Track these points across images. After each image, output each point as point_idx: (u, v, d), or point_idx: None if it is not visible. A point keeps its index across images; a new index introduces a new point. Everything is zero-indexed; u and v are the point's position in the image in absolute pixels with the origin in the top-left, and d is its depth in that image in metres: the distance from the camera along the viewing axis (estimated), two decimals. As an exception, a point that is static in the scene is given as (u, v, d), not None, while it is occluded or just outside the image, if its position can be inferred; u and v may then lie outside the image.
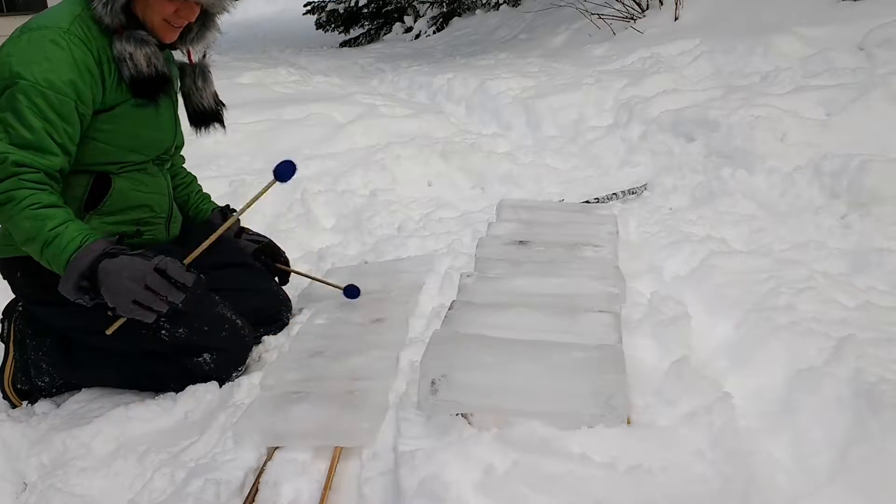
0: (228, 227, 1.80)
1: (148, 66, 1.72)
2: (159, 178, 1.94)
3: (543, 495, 1.21)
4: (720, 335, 1.80)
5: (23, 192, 1.54)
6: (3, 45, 1.64)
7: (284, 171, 1.71)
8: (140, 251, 1.60)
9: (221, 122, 2.03)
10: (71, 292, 1.54)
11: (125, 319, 1.58)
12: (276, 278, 2.20)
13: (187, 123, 2.02)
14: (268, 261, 2.18)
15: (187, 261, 1.62)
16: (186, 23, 1.77)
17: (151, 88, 1.75)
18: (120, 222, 1.83)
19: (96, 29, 1.68)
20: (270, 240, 2.23)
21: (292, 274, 2.24)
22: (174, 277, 1.53)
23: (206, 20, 1.88)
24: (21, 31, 1.65)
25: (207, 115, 1.99)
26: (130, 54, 1.69)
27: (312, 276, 2.15)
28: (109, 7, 1.65)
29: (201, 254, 1.67)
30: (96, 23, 1.68)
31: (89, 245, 1.54)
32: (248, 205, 1.75)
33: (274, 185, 1.72)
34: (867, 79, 3.43)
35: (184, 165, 2.19)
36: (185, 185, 2.17)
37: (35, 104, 1.58)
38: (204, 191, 2.23)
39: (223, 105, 2.04)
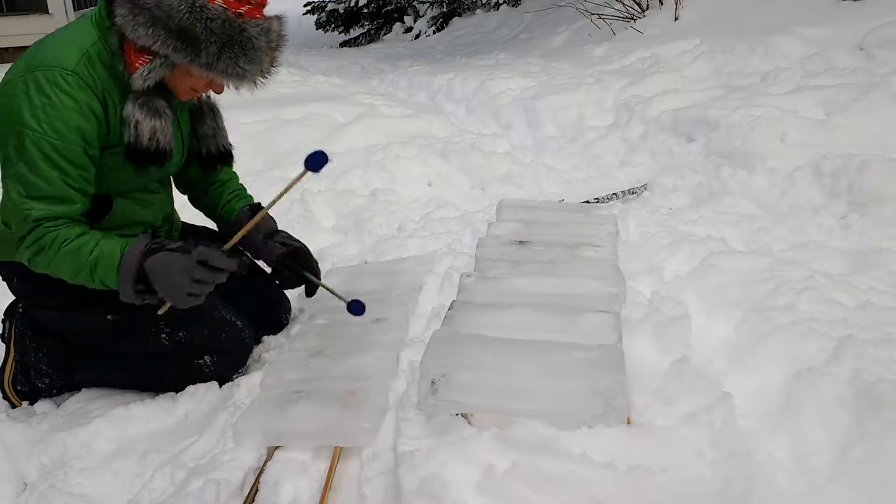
0: (257, 225, 1.79)
1: (149, 139, 1.66)
2: (161, 195, 1.91)
3: (543, 495, 1.21)
4: (720, 335, 1.80)
5: (49, 236, 1.57)
6: (7, 83, 1.59)
7: (317, 161, 1.69)
8: (179, 244, 1.63)
9: (231, 160, 2.01)
10: (135, 300, 1.59)
11: (165, 309, 1.64)
12: (304, 287, 1.98)
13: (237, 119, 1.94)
14: (295, 266, 1.94)
15: (226, 248, 1.67)
16: (210, 91, 1.74)
17: (143, 158, 1.69)
18: (119, 235, 1.80)
19: (102, 68, 1.62)
20: (303, 246, 2.00)
21: (314, 284, 1.98)
22: (216, 265, 1.59)
23: None
24: (27, 67, 1.58)
25: (222, 157, 1.96)
26: (137, 122, 1.64)
27: (331, 289, 1.89)
28: (145, 80, 1.59)
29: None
30: (102, 63, 1.62)
31: (129, 252, 1.58)
32: (280, 196, 1.76)
33: (306, 175, 1.71)
34: (867, 79, 3.43)
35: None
36: (221, 184, 2.07)
37: (47, 155, 1.55)
38: (243, 189, 2.10)
39: (231, 145, 2.01)
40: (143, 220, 1.86)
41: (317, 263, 2.01)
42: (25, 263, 1.63)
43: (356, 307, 1.82)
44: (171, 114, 1.70)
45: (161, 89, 1.68)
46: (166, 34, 1.52)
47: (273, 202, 1.75)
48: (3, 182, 1.61)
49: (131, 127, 1.64)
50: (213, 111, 1.92)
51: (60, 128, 1.56)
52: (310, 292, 1.96)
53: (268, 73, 1.68)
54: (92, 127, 1.61)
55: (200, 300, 1.60)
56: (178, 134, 1.84)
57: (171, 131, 1.72)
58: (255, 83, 1.66)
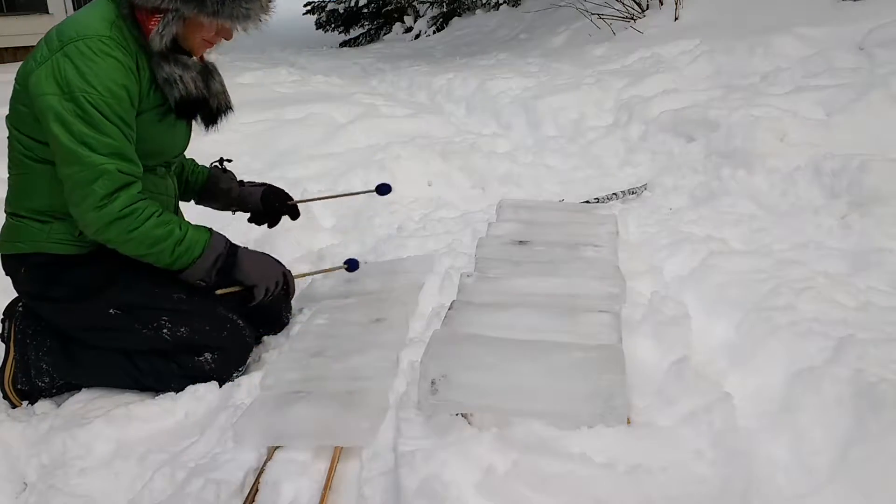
0: (232, 179, 2.27)
1: (196, 89, 1.79)
2: (167, 180, 1.96)
3: (543, 495, 1.21)
4: (720, 335, 1.80)
5: (140, 204, 1.70)
6: (47, 57, 1.64)
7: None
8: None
9: (231, 110, 2.05)
10: (202, 272, 1.81)
11: (237, 290, 1.88)
12: (289, 215, 2.33)
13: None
14: (276, 202, 2.28)
15: (297, 276, 2.08)
16: (220, 41, 1.81)
17: (195, 110, 1.83)
18: None
19: (130, 35, 1.70)
20: (269, 184, 2.33)
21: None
22: (290, 283, 2.02)
23: None
24: (61, 41, 1.64)
25: (224, 109, 2.00)
26: (180, 76, 1.75)
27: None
28: (163, 37, 1.68)
29: None
30: (129, 30, 1.70)
31: (216, 235, 1.84)
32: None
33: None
34: (867, 79, 3.43)
35: None
36: (180, 163, 2.16)
37: (104, 114, 1.62)
38: (196, 162, 2.27)
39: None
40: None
41: (286, 192, 2.34)
42: (94, 227, 1.68)
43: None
44: (195, 64, 1.81)
45: (178, 50, 1.76)
46: None
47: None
48: (64, 152, 1.62)
49: (177, 83, 1.76)
50: (215, 71, 1.97)
51: (111, 87, 1.64)
52: (294, 216, 2.34)
53: (267, 9, 1.79)
54: (134, 87, 1.70)
55: (267, 297, 1.91)
56: None
57: (201, 79, 1.83)
58: (260, 20, 1.78)
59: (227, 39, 1.81)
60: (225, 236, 1.87)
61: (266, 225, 2.34)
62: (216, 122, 1.98)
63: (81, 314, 1.83)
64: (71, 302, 1.82)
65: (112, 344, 1.85)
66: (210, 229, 1.85)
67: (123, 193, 1.66)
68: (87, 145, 1.61)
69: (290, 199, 2.35)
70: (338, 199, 2.71)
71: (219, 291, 1.86)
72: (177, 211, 2.04)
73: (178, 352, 1.83)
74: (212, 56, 1.96)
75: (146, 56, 1.73)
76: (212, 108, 1.93)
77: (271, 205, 2.29)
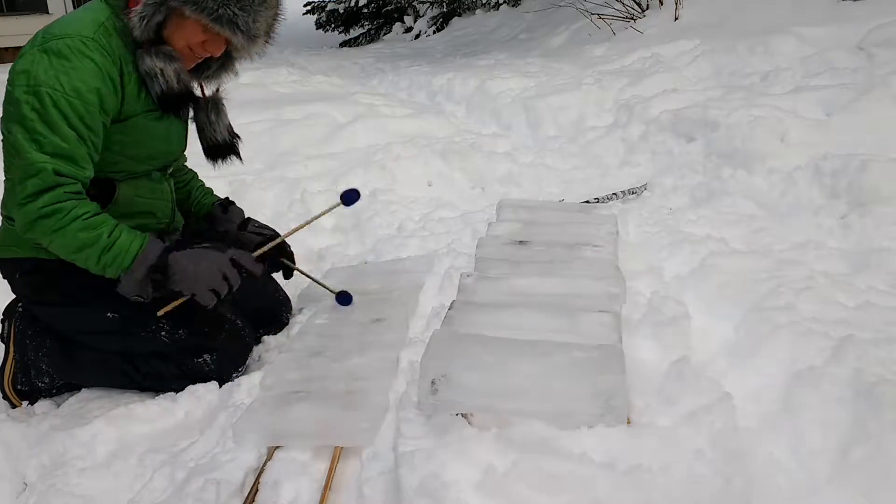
0: (231, 221, 2.07)
1: (178, 81, 1.73)
2: (163, 185, 1.94)
3: (543, 495, 1.21)
4: (720, 335, 1.80)
5: (69, 203, 1.58)
6: (28, 51, 1.63)
7: (350, 197, 2.01)
8: (209, 244, 1.71)
9: (238, 155, 2.02)
10: (134, 288, 1.64)
11: (181, 301, 1.72)
12: (281, 272, 2.13)
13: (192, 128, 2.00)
14: (273, 254, 2.06)
15: (257, 254, 1.83)
16: (208, 56, 1.77)
17: (179, 103, 1.77)
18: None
19: (117, 39, 1.67)
20: (276, 232, 2.12)
21: (294, 271, 2.17)
22: (246, 268, 1.74)
23: (226, 61, 1.89)
24: (44, 38, 1.63)
25: (222, 148, 1.98)
26: (161, 70, 1.70)
27: (312, 276, 2.11)
28: (145, 22, 1.65)
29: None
30: (118, 33, 1.68)
31: (151, 241, 1.66)
32: (306, 224, 2.06)
33: (338, 206, 2.00)
34: (867, 79, 3.43)
35: (185, 164, 2.18)
36: (186, 183, 2.15)
37: (63, 113, 1.57)
38: (206, 185, 2.22)
39: (238, 137, 2.02)
40: (147, 210, 1.88)
41: (290, 248, 2.12)
42: (19, 224, 1.60)
43: (344, 298, 2.02)
44: (180, 58, 1.75)
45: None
46: None
47: (298, 228, 2.04)
48: (13, 145, 1.58)
49: (158, 76, 1.71)
50: (211, 106, 1.94)
51: (80, 88, 1.59)
52: (287, 276, 2.12)
53: (259, 32, 1.72)
54: (109, 92, 1.65)
55: (217, 298, 1.69)
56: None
57: (187, 73, 1.78)
58: (248, 35, 1.70)
59: (214, 55, 1.76)
60: (164, 244, 1.68)
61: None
62: (216, 158, 1.97)
63: (78, 318, 1.83)
64: (67, 307, 1.81)
65: (110, 347, 1.85)
66: (149, 236, 1.67)
67: (51, 192, 1.56)
68: (35, 142, 1.56)
69: (290, 254, 2.12)
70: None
71: (159, 313, 1.72)
72: (174, 215, 2.01)
73: (177, 353, 1.82)
74: (221, 89, 1.94)
75: (133, 57, 1.70)
76: (194, 99, 1.89)
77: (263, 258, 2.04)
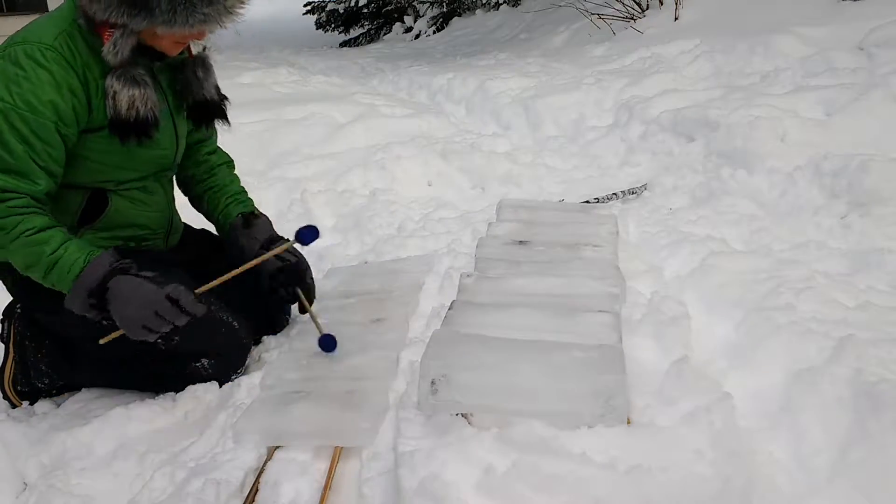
0: (254, 238, 1.88)
1: (127, 109, 1.62)
2: (158, 196, 1.88)
3: (543, 495, 1.21)
4: (720, 335, 1.80)
5: (12, 219, 1.52)
6: None
7: (305, 235, 1.72)
8: (151, 274, 1.58)
9: (225, 116, 1.91)
10: (79, 310, 1.56)
11: (121, 332, 1.59)
12: (297, 305, 1.94)
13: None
14: (287, 284, 1.89)
15: (199, 291, 1.63)
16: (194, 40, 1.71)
17: (125, 130, 1.65)
18: (114, 238, 1.80)
19: (83, 46, 1.60)
20: (301, 261, 1.92)
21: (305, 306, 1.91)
22: (185, 308, 1.56)
23: None
24: (6, 44, 1.58)
25: (209, 108, 1.87)
26: (115, 93, 1.61)
27: (314, 318, 1.86)
28: (117, 53, 1.57)
29: (201, 254, 1.66)
30: (84, 39, 1.61)
31: (94, 262, 1.54)
32: (254, 263, 1.75)
33: (292, 244, 1.73)
34: (867, 79, 3.43)
35: (221, 164, 2.06)
36: (219, 189, 2.02)
37: (14, 127, 1.52)
38: (242, 193, 2.04)
39: (227, 98, 1.93)
40: (141, 222, 1.85)
41: (312, 280, 1.94)
42: None
43: (327, 342, 1.80)
44: (151, 82, 1.67)
45: (148, 55, 1.66)
46: (117, 3, 1.52)
47: (238, 271, 1.71)
48: None
49: (109, 98, 1.62)
50: (198, 63, 1.83)
51: (32, 101, 1.53)
52: (302, 311, 1.91)
53: (230, 12, 1.61)
54: (67, 104, 1.58)
55: (152, 337, 1.57)
56: (166, 108, 1.80)
57: (155, 99, 1.67)
58: (222, 20, 1.61)
59: (198, 39, 1.70)
60: (111, 264, 1.55)
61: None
62: (200, 121, 1.87)
63: (73, 324, 1.81)
64: (60, 313, 1.80)
65: (107, 352, 1.83)
66: (95, 254, 1.55)
67: None
68: None
69: (308, 289, 1.91)
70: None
71: (101, 341, 1.61)
72: (171, 223, 1.95)
73: (174, 358, 1.80)
74: (208, 47, 1.85)
75: (103, 69, 1.61)
76: (188, 99, 1.81)
77: (272, 289, 1.90)
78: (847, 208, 2.50)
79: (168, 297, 1.55)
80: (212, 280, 1.68)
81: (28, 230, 1.52)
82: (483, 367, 1.47)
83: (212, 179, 2.03)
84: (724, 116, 3.32)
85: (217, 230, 2.05)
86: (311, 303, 1.90)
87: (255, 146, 4.04)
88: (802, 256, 2.16)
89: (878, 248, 2.18)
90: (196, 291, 1.61)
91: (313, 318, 1.86)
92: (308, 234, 1.73)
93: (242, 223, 1.93)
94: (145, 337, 1.56)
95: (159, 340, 1.71)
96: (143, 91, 1.64)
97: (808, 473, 1.32)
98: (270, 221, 1.99)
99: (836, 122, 3.07)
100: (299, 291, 1.88)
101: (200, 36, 1.68)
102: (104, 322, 1.58)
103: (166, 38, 1.63)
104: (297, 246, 1.77)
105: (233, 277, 1.70)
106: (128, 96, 1.62)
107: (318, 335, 1.80)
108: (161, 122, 1.73)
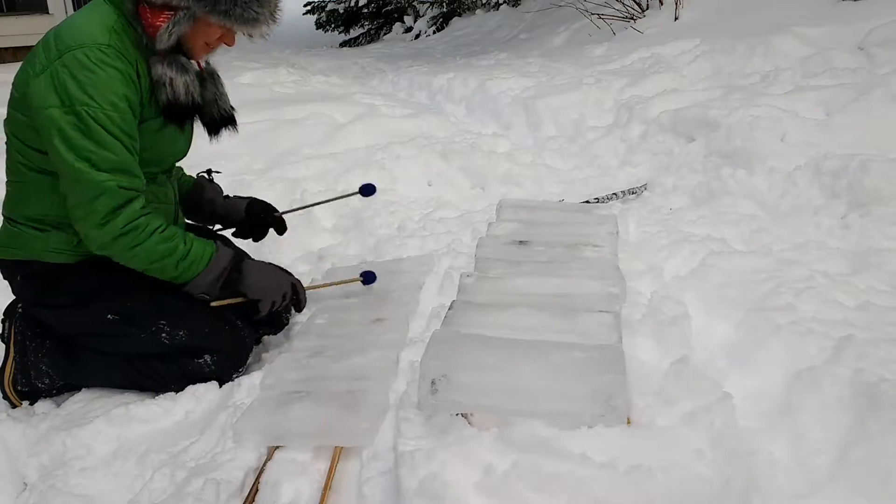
0: (217, 191, 2.24)
1: (186, 94, 1.75)
2: (167, 188, 1.95)
3: (543, 495, 1.21)
4: (720, 335, 1.80)
5: (143, 220, 1.68)
6: (44, 65, 1.59)
7: (368, 189, 2.31)
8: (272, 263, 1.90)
9: (235, 125, 2.01)
10: (206, 286, 1.80)
11: (237, 302, 1.86)
12: (275, 229, 2.29)
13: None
14: (262, 213, 2.25)
15: (308, 287, 2.02)
16: (222, 46, 1.79)
17: (184, 115, 1.78)
18: None
19: (129, 40, 1.67)
20: (253, 197, 2.31)
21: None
22: (299, 296, 1.96)
23: None
24: (59, 48, 1.60)
25: (226, 121, 1.97)
26: (171, 79, 1.71)
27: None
28: (170, 35, 1.66)
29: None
30: (127, 35, 1.67)
31: (220, 248, 1.82)
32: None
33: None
34: (867, 79, 3.43)
35: None
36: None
37: (106, 127, 1.59)
38: (186, 174, 2.25)
39: (234, 109, 2.02)
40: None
41: (271, 205, 2.30)
42: (97, 243, 1.67)
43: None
44: (193, 68, 1.78)
45: (179, 53, 1.74)
46: None
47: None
48: (66, 168, 1.60)
49: (167, 86, 1.71)
50: (214, 77, 1.94)
51: (113, 99, 1.61)
52: (281, 231, 2.30)
53: (274, 17, 1.75)
54: (135, 96, 1.67)
55: (273, 308, 1.89)
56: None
57: (198, 86, 1.81)
58: (268, 26, 1.75)
59: (228, 45, 1.78)
60: (232, 250, 1.86)
61: (252, 238, 2.28)
62: (218, 131, 1.96)
63: (79, 320, 1.83)
64: (68, 309, 1.81)
65: (110, 348, 1.85)
66: (216, 242, 1.83)
67: (127, 209, 1.64)
68: (88, 161, 1.59)
69: (276, 211, 2.30)
70: (336, 201, 2.68)
71: (214, 303, 1.84)
72: (177, 218, 2.02)
73: (177, 355, 1.82)
74: (212, 60, 1.94)
75: (145, 60, 1.70)
76: (205, 114, 1.90)
77: (257, 216, 2.24)
78: (847, 208, 2.50)
79: (293, 284, 1.94)
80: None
81: (158, 228, 1.71)
82: (483, 367, 1.47)
83: None
84: (724, 116, 3.31)
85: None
86: (283, 231, 2.32)
87: (255, 146, 4.04)
88: (802, 256, 2.16)
89: (878, 248, 2.18)
90: (307, 287, 2.04)
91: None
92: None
93: (207, 181, 2.24)
94: (270, 307, 1.88)
95: (164, 336, 1.80)
96: (192, 77, 1.77)
97: (808, 473, 1.32)
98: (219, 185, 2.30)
99: (836, 122, 3.07)
100: (277, 213, 2.28)
101: (232, 41, 1.78)
102: (213, 297, 1.82)
103: (206, 36, 1.72)
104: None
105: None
106: (183, 82, 1.74)
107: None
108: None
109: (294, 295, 1.93)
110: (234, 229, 2.26)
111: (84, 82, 1.58)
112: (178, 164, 2.18)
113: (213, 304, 1.84)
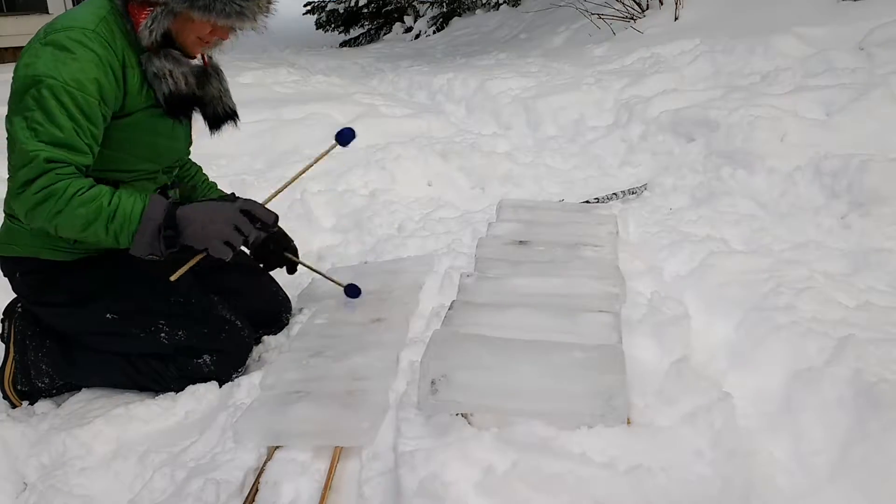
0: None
1: (186, 85, 1.74)
2: (167, 191, 1.94)
3: (543, 495, 1.21)
4: (720, 335, 1.80)
5: (62, 183, 1.54)
6: (31, 44, 1.63)
7: (346, 135, 1.96)
8: (219, 196, 1.69)
9: (238, 120, 1.99)
10: (146, 247, 1.59)
11: (195, 261, 1.69)
12: (285, 267, 2.15)
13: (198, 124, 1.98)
14: (277, 249, 2.12)
15: (265, 201, 1.77)
16: (217, 41, 1.77)
17: (186, 107, 1.77)
18: None
19: (119, 32, 1.67)
20: (280, 227, 2.08)
21: (298, 265, 2.18)
22: (259, 217, 1.68)
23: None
24: (46, 31, 1.64)
25: (228, 117, 1.96)
26: (170, 71, 1.71)
27: (317, 269, 2.13)
28: (152, 32, 1.65)
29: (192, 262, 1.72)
30: (119, 27, 1.67)
31: (153, 200, 1.61)
32: (308, 167, 2.03)
33: (335, 148, 1.95)
34: (867, 79, 3.43)
35: (189, 157, 2.16)
36: (191, 176, 2.16)
37: (62, 103, 1.56)
38: (210, 180, 2.23)
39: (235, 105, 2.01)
40: None
41: (293, 242, 2.16)
42: (21, 215, 1.60)
43: (353, 290, 2.07)
44: (188, 63, 1.77)
45: (171, 48, 1.73)
46: None
47: (303, 170, 2.03)
48: (12, 136, 1.58)
49: (167, 78, 1.71)
50: (218, 73, 1.93)
51: (80, 78, 1.58)
52: (291, 271, 2.15)
53: (266, 9, 1.72)
54: (110, 84, 1.65)
55: (231, 252, 1.65)
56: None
57: (194, 77, 1.78)
58: (256, 20, 1.71)
59: (223, 39, 1.77)
60: (166, 200, 1.64)
61: (264, 266, 2.17)
62: (219, 126, 1.95)
63: (78, 319, 1.83)
64: (67, 307, 1.81)
65: (110, 347, 1.85)
66: (150, 195, 1.63)
67: (41, 178, 1.54)
68: (32, 131, 1.55)
69: (294, 249, 2.15)
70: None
71: (172, 277, 1.67)
72: None
73: (176, 354, 1.82)
74: (216, 57, 1.94)
75: (136, 54, 1.70)
76: (209, 109, 1.89)
77: (268, 249, 2.11)
78: (847, 208, 2.50)
79: (241, 210, 1.66)
80: (210, 277, 1.84)
81: (79, 190, 1.55)
82: (483, 367, 1.46)
83: (184, 170, 2.13)
84: (724, 116, 3.32)
85: None
86: (292, 272, 2.16)
87: (255, 146, 4.04)
88: (802, 256, 2.16)
89: (878, 248, 2.18)
90: (263, 202, 1.76)
91: (322, 274, 2.09)
92: (346, 135, 2.06)
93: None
94: (225, 253, 1.63)
95: (163, 336, 1.78)
96: (188, 68, 1.75)
97: (808, 473, 1.32)
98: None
99: (836, 122, 3.07)
100: (288, 255, 2.13)
101: (226, 35, 1.75)
102: (165, 257, 1.62)
103: (195, 31, 1.70)
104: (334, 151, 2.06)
105: (238, 279, 1.85)
106: (181, 73, 1.73)
107: (342, 287, 2.02)
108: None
109: (251, 222, 1.67)
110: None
111: (57, 58, 1.57)
112: (199, 166, 2.20)
113: (172, 277, 1.67)
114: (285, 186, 1.93)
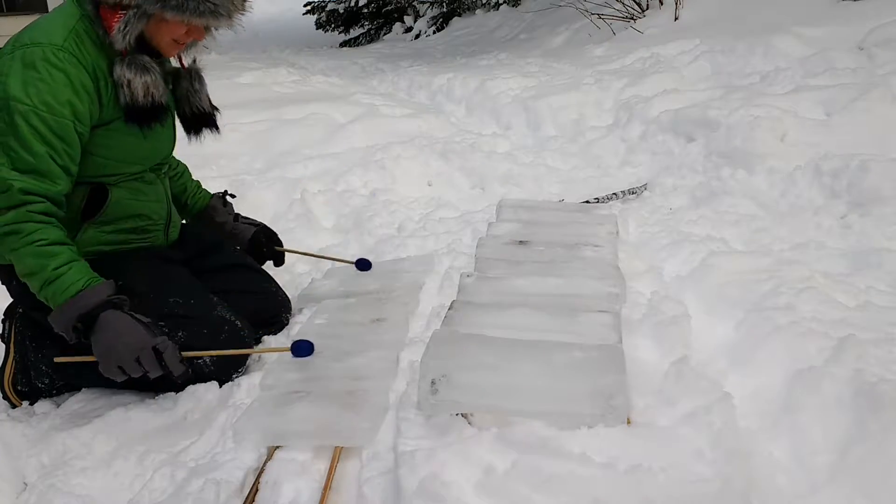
0: (230, 213, 2.25)
1: (144, 95, 1.68)
2: (157, 186, 1.93)
3: (543, 495, 1.21)
4: (720, 335, 1.80)
5: (30, 225, 1.55)
6: (1, 57, 1.60)
7: (303, 349, 1.77)
8: (147, 319, 1.61)
9: (215, 126, 1.99)
10: (60, 325, 1.58)
11: (85, 359, 1.63)
12: (273, 260, 2.28)
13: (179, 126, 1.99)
14: (269, 244, 2.24)
15: (188, 355, 1.68)
16: (192, 41, 1.75)
17: (144, 117, 1.72)
18: (117, 230, 1.83)
19: (90, 43, 1.64)
20: (264, 224, 2.30)
21: (290, 266, 2.29)
22: (166, 364, 1.60)
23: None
24: (13, 46, 1.60)
25: (201, 119, 1.94)
26: (129, 81, 1.66)
27: (322, 255, 2.24)
28: (125, 35, 1.62)
29: (201, 250, 1.71)
30: (89, 36, 1.64)
31: (94, 287, 1.58)
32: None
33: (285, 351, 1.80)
34: (867, 79, 3.43)
35: (173, 155, 2.15)
36: (179, 175, 2.17)
37: (34, 128, 1.55)
38: (202, 187, 2.26)
39: (217, 109, 2.00)
40: (142, 212, 1.88)
41: (278, 235, 2.31)
42: None
43: (363, 264, 2.25)
44: (158, 68, 1.72)
45: (146, 51, 1.70)
46: None
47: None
48: None
49: (124, 87, 1.66)
50: (194, 75, 1.91)
51: (51, 102, 1.57)
52: (279, 264, 2.30)
53: (241, 7, 1.69)
54: (83, 103, 1.62)
55: (119, 379, 1.60)
56: (170, 96, 1.86)
57: (163, 86, 1.74)
58: (231, 18, 1.68)
59: (198, 39, 1.75)
60: (110, 297, 1.59)
61: None
62: (195, 130, 1.94)
63: None
64: None
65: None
66: (95, 281, 1.59)
67: (13, 211, 1.55)
68: (8, 157, 1.55)
69: (280, 243, 2.31)
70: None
71: (56, 359, 1.71)
72: (170, 215, 1.99)
73: None
74: (197, 59, 1.92)
75: (109, 61, 1.66)
76: (178, 110, 1.87)
77: (259, 245, 2.23)
78: (847, 208, 2.50)
79: (155, 347, 1.58)
80: (209, 277, 1.88)
81: (41, 240, 1.56)
82: (483, 367, 1.46)
83: (171, 169, 2.10)
84: (724, 116, 3.32)
85: (181, 212, 2.16)
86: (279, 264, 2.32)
87: (255, 146, 4.03)
88: (802, 256, 2.16)
89: (878, 248, 2.18)
90: (184, 354, 1.65)
91: (327, 257, 2.31)
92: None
93: (221, 203, 2.24)
94: (114, 376, 1.59)
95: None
96: (154, 77, 1.70)
97: (808, 473, 1.32)
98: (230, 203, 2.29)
99: (836, 122, 3.07)
100: (278, 248, 2.28)
101: (201, 35, 1.72)
102: (73, 341, 1.60)
103: (169, 32, 1.68)
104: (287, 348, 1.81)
105: (238, 280, 1.88)
106: (142, 83, 1.68)
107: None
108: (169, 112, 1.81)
109: (160, 361, 1.59)
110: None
111: (25, 80, 1.55)
112: (185, 165, 2.22)
113: (56, 359, 1.70)
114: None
